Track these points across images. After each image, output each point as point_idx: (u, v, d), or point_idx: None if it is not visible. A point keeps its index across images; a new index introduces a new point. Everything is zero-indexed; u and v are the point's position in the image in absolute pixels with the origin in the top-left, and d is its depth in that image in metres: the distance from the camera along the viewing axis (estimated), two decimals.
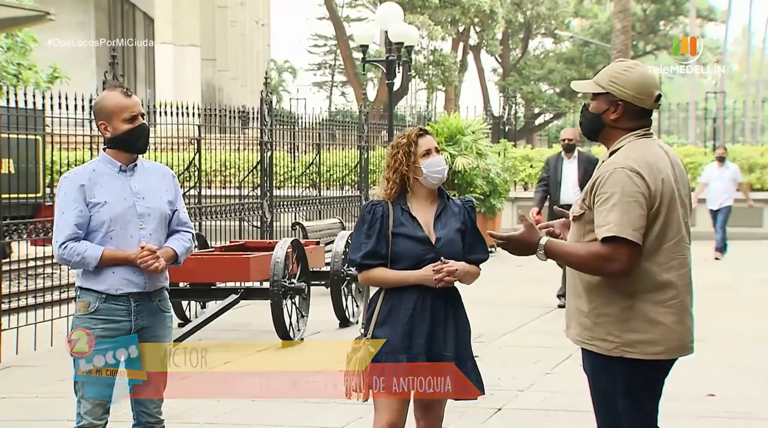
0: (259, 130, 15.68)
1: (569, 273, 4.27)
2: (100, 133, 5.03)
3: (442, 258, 4.67)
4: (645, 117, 4.19)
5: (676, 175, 4.16)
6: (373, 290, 4.91)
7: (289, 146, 19.68)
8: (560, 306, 11.97)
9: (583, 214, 4.13)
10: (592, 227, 4.08)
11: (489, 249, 5.05)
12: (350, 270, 11.02)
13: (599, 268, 4.02)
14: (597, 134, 4.26)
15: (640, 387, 4.13)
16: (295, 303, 10.31)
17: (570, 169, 12.47)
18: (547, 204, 12.61)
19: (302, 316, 10.44)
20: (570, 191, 12.33)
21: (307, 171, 19.18)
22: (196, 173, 14.68)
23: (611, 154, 4.15)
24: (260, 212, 15.56)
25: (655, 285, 4.07)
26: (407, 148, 4.80)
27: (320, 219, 17.06)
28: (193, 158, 14.71)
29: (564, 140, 12.72)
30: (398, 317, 4.70)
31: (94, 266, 4.75)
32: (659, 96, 4.19)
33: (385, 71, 19.10)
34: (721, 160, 19.17)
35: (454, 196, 5.03)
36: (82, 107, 10.95)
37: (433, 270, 4.65)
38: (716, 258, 19.00)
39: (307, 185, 19.35)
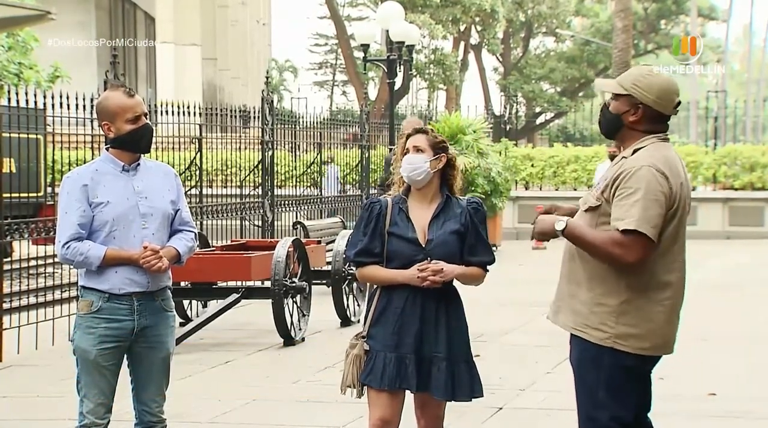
0: (260, 130, 15.69)
1: (568, 260, 4.33)
2: (101, 133, 5.02)
3: (429, 258, 4.68)
4: (663, 122, 4.30)
5: (687, 181, 4.29)
6: (373, 288, 4.93)
7: (290, 145, 19.70)
8: None
9: (599, 206, 4.23)
10: (607, 219, 4.17)
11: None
12: (351, 269, 11.02)
13: (613, 254, 4.10)
14: (615, 134, 4.37)
15: (624, 380, 4.23)
16: (296, 303, 10.31)
17: None
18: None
19: (303, 315, 10.45)
20: None
21: (308, 170, 19.20)
22: (198, 172, 14.68)
23: (634, 151, 4.24)
24: (261, 211, 15.56)
25: (657, 284, 4.19)
26: (400, 148, 4.87)
27: (321, 218, 17.07)
28: (195, 157, 14.71)
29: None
30: (389, 315, 4.72)
31: (97, 266, 4.75)
32: (678, 103, 4.30)
33: (386, 70, 19.10)
34: (613, 159, 17.60)
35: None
36: (84, 107, 10.95)
37: (418, 270, 4.66)
38: None
39: (308, 184, 19.36)
